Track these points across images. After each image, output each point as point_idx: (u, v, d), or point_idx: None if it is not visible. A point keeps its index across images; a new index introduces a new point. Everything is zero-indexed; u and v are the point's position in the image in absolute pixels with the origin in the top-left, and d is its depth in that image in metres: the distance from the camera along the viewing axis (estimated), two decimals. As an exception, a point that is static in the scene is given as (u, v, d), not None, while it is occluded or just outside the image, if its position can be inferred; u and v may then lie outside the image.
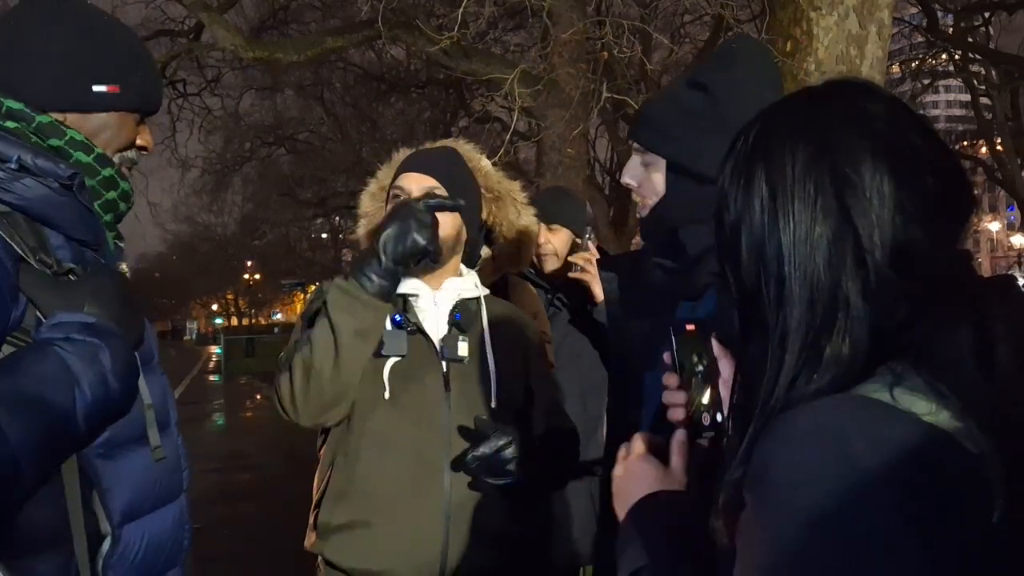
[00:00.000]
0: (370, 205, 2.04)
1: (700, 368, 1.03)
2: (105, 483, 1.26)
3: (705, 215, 1.37)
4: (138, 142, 1.47)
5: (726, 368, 1.02)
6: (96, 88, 1.37)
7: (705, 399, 1.02)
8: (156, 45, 12.72)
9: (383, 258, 1.64)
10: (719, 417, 1.01)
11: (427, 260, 1.71)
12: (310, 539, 1.81)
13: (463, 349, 1.80)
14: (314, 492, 1.85)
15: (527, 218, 2.16)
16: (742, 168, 0.86)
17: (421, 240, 1.64)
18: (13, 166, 1.23)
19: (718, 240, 0.89)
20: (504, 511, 1.79)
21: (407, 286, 1.83)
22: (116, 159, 1.42)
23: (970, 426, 0.72)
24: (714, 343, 1.04)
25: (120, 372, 1.19)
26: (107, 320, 1.21)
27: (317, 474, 1.87)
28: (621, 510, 1.01)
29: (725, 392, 1.01)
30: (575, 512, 2.52)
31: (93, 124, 1.39)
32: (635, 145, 1.52)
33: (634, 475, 1.02)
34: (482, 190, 2.04)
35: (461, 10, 6.09)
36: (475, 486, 1.75)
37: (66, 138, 1.33)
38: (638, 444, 1.05)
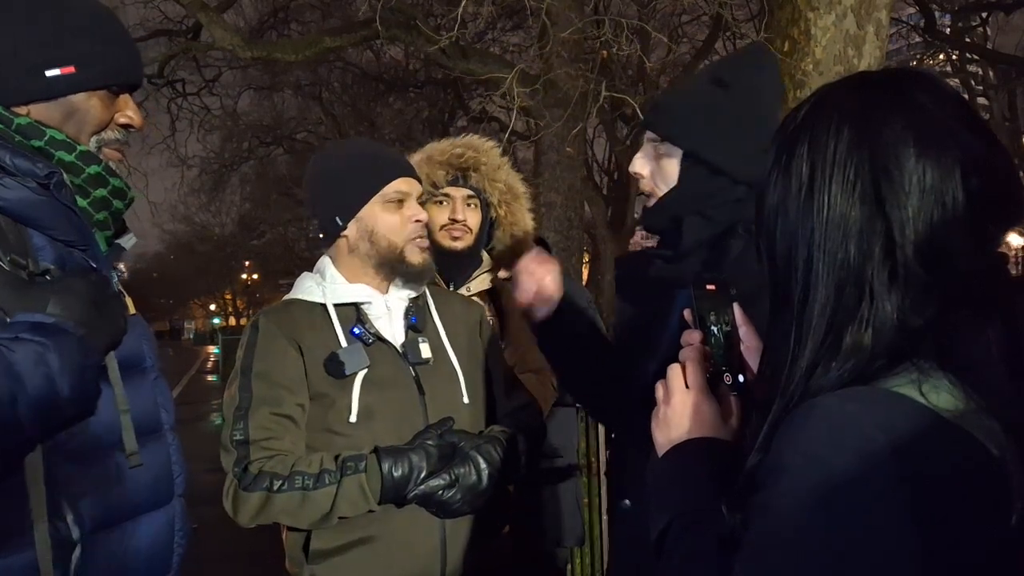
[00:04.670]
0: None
1: (723, 327, 1.01)
2: (76, 489, 1.22)
3: (709, 207, 1.44)
4: (120, 120, 1.38)
5: (750, 337, 1.01)
6: (49, 73, 1.28)
7: (727, 359, 1.00)
8: (155, 44, 12.73)
9: (412, 488, 1.61)
10: (741, 378, 0.99)
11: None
12: (294, 566, 1.74)
13: (426, 351, 1.77)
14: None
15: (530, 220, 2.36)
16: (787, 144, 0.84)
17: (455, 506, 1.65)
18: None
19: (756, 214, 0.88)
20: (495, 508, 1.77)
21: (357, 293, 1.78)
22: (93, 143, 1.35)
23: (994, 428, 0.71)
24: (736, 310, 1.02)
25: (71, 373, 1.13)
26: (68, 321, 1.15)
27: None
28: (664, 440, 0.97)
29: (749, 358, 1.00)
30: (564, 498, 2.54)
31: (58, 111, 1.31)
32: (649, 136, 1.52)
33: (685, 412, 0.96)
34: (500, 186, 2.24)
35: (460, 10, 6.09)
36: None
37: (46, 138, 1.28)
38: (678, 380, 0.99)
